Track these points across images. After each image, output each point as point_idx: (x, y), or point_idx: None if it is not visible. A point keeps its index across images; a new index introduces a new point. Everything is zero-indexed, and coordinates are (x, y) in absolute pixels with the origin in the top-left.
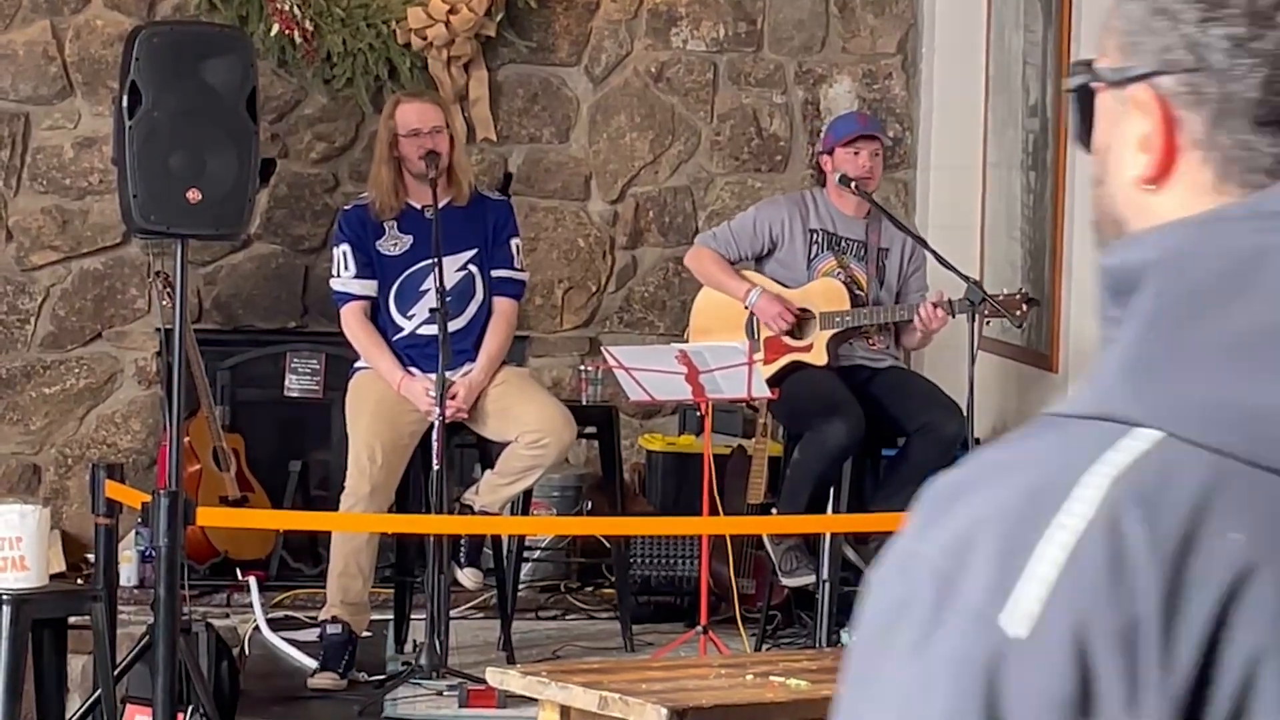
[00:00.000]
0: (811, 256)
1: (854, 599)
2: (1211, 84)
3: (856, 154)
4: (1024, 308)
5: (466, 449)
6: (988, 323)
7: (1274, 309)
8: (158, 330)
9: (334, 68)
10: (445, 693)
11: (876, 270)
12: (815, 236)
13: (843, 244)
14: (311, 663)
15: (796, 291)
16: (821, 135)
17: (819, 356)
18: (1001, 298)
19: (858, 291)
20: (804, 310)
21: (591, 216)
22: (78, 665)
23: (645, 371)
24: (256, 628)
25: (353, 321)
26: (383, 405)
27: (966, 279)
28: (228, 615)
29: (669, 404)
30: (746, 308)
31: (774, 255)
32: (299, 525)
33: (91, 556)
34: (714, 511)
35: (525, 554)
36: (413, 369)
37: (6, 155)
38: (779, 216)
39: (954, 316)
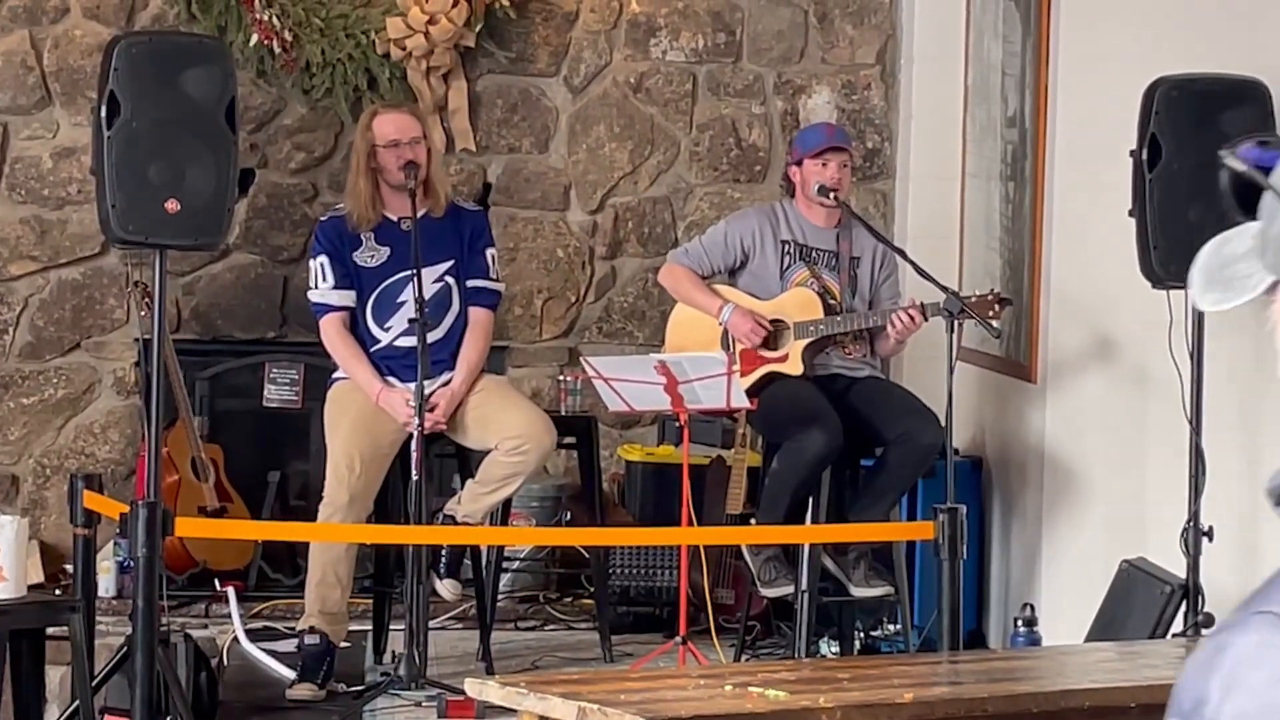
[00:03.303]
0: (784, 268)
1: (832, 609)
2: None
3: (825, 165)
4: (997, 307)
5: (446, 459)
6: (962, 325)
7: None
8: (136, 340)
9: (313, 78)
10: (424, 703)
11: (849, 280)
12: (787, 248)
13: (814, 254)
14: (290, 673)
15: (770, 303)
16: (790, 147)
17: (794, 366)
18: (974, 299)
19: (831, 301)
20: (778, 321)
21: (571, 227)
22: (56, 676)
23: (624, 382)
24: (235, 638)
25: (332, 332)
26: (361, 415)
27: (944, 289)
28: (206, 626)
29: (648, 414)
30: (720, 324)
31: (746, 267)
32: (277, 535)
33: (70, 567)
34: (693, 522)
35: (504, 564)
36: (391, 379)
37: None
38: (750, 229)
39: (927, 319)
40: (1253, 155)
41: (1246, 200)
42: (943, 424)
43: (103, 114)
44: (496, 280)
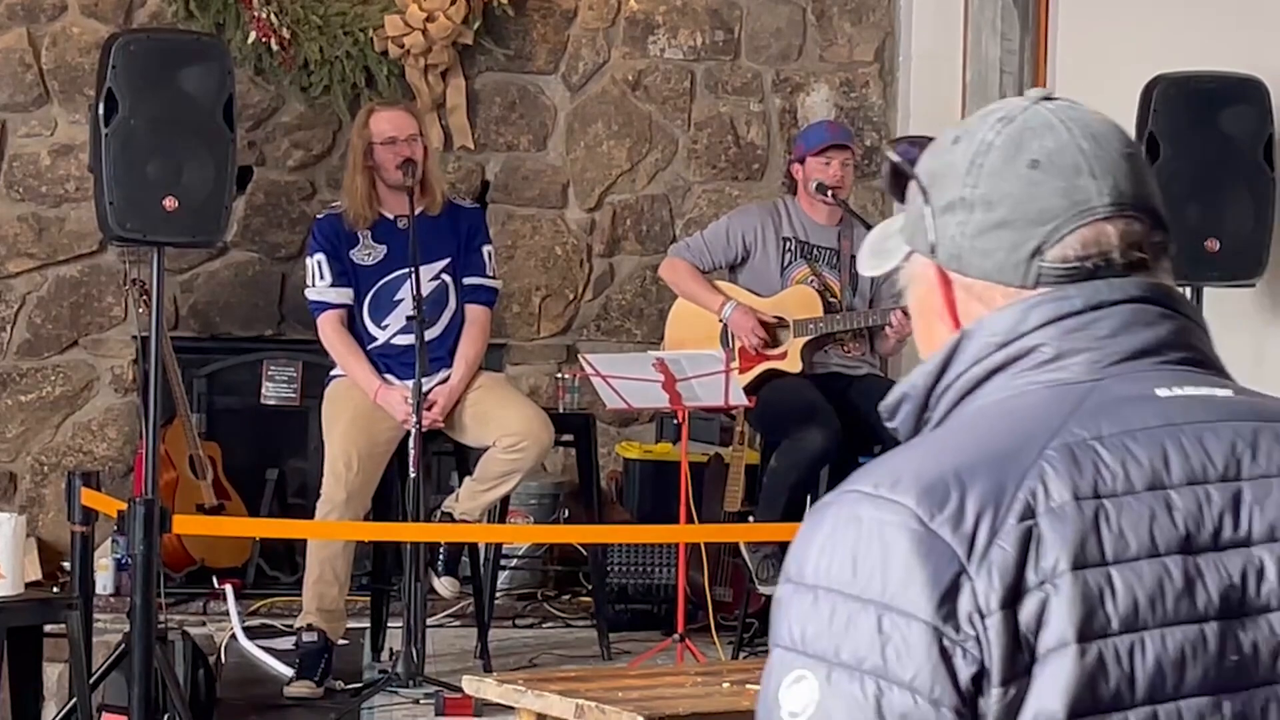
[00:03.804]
0: (785, 265)
1: None
2: None
3: (828, 163)
4: None
5: (444, 456)
6: None
7: None
8: (134, 338)
9: (311, 75)
10: (422, 701)
11: (849, 278)
12: (788, 245)
13: (815, 252)
14: (288, 671)
15: (770, 300)
16: (793, 144)
17: (794, 364)
18: None
19: (831, 299)
20: (778, 318)
21: (569, 224)
22: (53, 673)
23: (622, 379)
24: (233, 636)
25: (329, 330)
26: (359, 412)
27: None
28: (204, 623)
29: (646, 412)
30: (721, 321)
31: (747, 264)
32: (275, 533)
33: (67, 564)
34: (691, 519)
35: (502, 562)
36: (388, 377)
37: None
38: (751, 225)
39: None
40: (909, 151)
41: (901, 188)
42: None
43: (100, 111)
44: (494, 278)
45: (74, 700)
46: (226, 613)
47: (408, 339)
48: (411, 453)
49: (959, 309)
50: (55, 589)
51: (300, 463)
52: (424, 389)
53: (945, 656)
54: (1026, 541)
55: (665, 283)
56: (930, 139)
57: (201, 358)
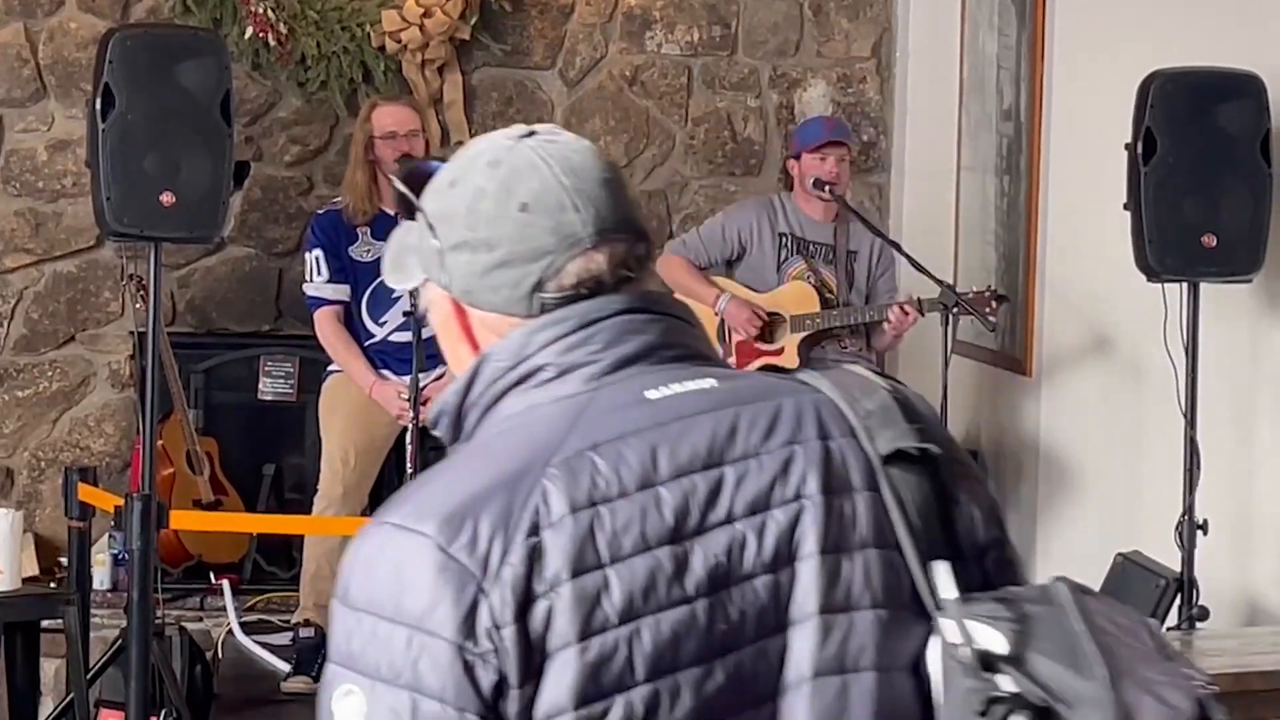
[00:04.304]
0: (781, 260)
1: None
2: None
3: (824, 159)
4: (994, 304)
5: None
6: (957, 319)
7: None
8: (131, 333)
9: (308, 71)
10: None
11: (845, 273)
12: (784, 240)
13: (811, 248)
14: (285, 666)
15: (766, 295)
16: (790, 140)
17: (790, 359)
18: (971, 295)
19: (827, 294)
20: (774, 314)
21: None
22: (50, 669)
23: None
24: (230, 631)
25: (326, 326)
26: (356, 408)
27: (940, 282)
28: (201, 619)
29: None
30: (716, 314)
31: (744, 260)
32: (272, 528)
33: (64, 560)
34: None
35: None
36: (385, 372)
37: None
38: (747, 221)
39: (923, 315)
40: (429, 166)
41: (411, 210)
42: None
43: (98, 107)
44: None
45: (71, 695)
46: (224, 608)
47: (405, 336)
48: (408, 448)
49: (476, 335)
50: (52, 584)
51: (297, 458)
52: (420, 385)
53: (468, 669)
54: (532, 556)
55: (661, 280)
56: (442, 160)
57: (199, 353)
